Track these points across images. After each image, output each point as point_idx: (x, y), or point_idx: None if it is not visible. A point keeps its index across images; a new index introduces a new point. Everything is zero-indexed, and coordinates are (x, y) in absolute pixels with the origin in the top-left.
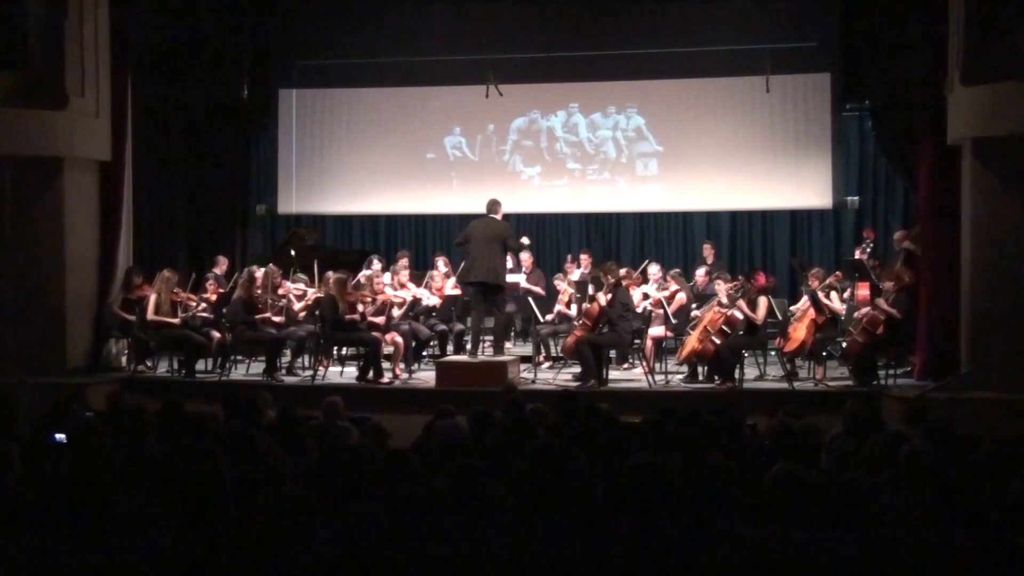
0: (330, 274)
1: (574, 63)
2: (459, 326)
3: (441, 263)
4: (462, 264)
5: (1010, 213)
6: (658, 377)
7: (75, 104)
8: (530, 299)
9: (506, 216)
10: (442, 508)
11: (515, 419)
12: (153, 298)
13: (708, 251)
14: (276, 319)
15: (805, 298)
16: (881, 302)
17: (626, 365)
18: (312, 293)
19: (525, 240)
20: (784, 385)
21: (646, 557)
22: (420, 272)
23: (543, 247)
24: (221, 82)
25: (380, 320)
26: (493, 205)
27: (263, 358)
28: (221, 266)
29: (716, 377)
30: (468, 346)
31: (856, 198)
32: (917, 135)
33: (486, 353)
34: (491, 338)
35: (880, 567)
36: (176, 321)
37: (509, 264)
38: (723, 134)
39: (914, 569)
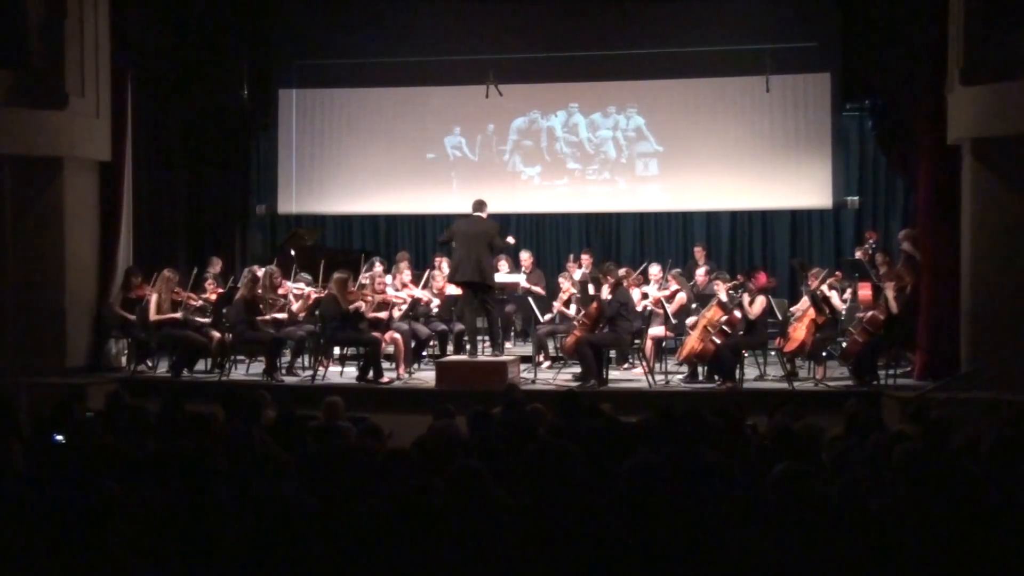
0: (335, 274)
1: (574, 63)
2: (459, 326)
3: (444, 263)
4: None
5: (1010, 213)
6: (658, 377)
7: (75, 104)
8: (530, 299)
9: (507, 216)
10: (441, 508)
11: (515, 419)
12: (154, 298)
13: (699, 253)
14: (280, 315)
15: (805, 298)
16: (890, 289)
17: (626, 365)
18: (312, 293)
19: (511, 239)
20: (784, 385)
21: (646, 557)
22: (420, 272)
23: (543, 247)
24: (221, 82)
25: (383, 315)
26: (479, 205)
27: (263, 358)
28: (215, 266)
29: (716, 377)
30: (467, 347)
31: (856, 198)
32: (917, 135)
33: (485, 353)
34: (485, 338)
35: (879, 567)
36: (179, 316)
37: (505, 264)
38: (723, 134)
39: (912, 569)
